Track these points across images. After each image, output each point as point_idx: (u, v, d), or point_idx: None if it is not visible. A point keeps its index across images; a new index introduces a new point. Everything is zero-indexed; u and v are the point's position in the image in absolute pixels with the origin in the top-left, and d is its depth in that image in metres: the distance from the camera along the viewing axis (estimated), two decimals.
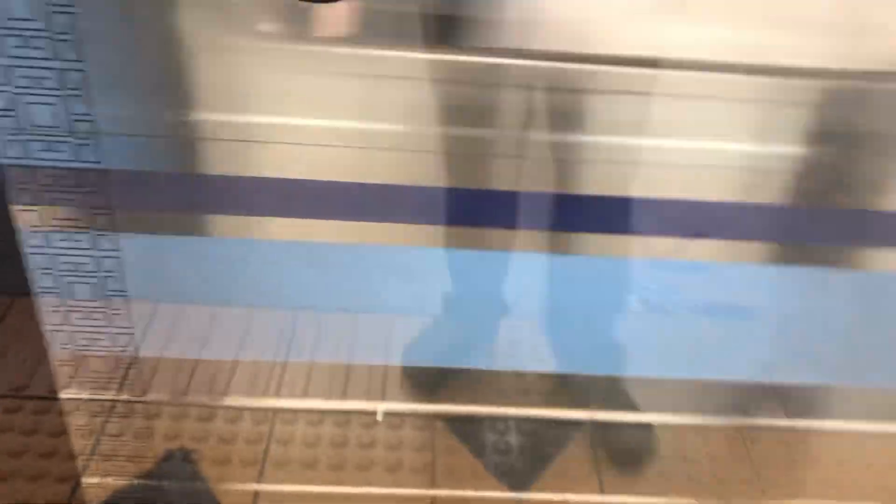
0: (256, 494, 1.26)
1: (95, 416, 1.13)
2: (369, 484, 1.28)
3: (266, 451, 1.31)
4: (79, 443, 1.09)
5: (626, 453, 1.34)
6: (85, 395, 1.09)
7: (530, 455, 1.34)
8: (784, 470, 1.33)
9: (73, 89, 0.65)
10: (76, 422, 1.09)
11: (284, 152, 0.98)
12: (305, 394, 1.37)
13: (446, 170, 1.01)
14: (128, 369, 1.38)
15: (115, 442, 1.24)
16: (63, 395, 1.03)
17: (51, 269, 0.73)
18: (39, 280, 0.74)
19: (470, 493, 1.28)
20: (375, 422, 1.32)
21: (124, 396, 1.34)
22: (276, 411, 1.37)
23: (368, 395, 1.38)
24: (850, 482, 1.32)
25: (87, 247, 0.72)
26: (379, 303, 1.41)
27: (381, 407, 1.34)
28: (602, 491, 1.29)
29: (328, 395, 1.37)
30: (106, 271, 0.74)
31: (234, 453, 1.30)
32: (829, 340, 1.44)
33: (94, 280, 0.75)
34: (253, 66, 0.89)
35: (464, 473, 1.30)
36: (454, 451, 1.33)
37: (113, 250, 0.73)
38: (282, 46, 0.87)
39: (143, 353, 1.40)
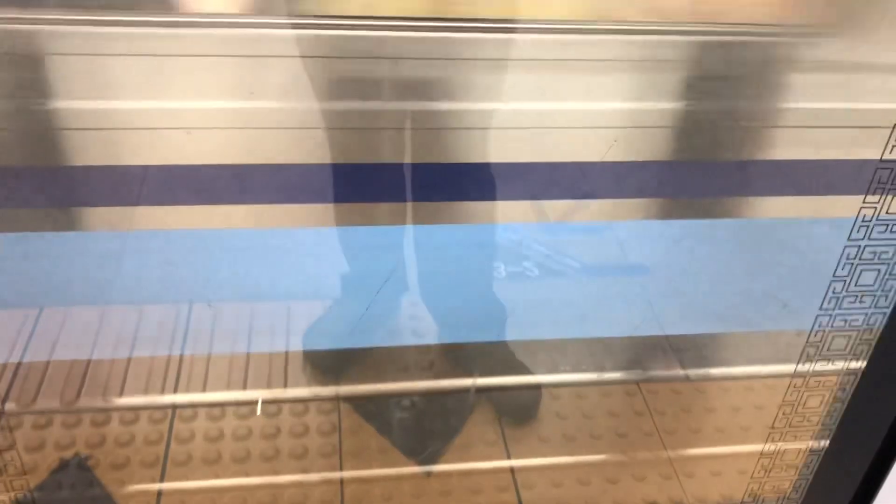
0: (159, 494, 1.23)
1: None
2: (276, 473, 1.27)
3: (167, 450, 1.28)
4: None
5: (520, 410, 1.38)
6: None
7: (435, 428, 1.35)
8: (682, 420, 1.39)
9: None
10: None
11: (160, 138, 0.94)
12: (204, 388, 1.34)
13: (319, 147, 0.99)
14: (12, 378, 1.31)
15: (4, 457, 1.18)
16: None
17: None
18: None
19: (378, 471, 1.28)
20: (255, 413, 1.31)
21: (11, 407, 1.29)
22: (176, 407, 1.33)
23: (270, 384, 1.36)
24: (744, 426, 1.38)
25: None
26: (273, 289, 1.39)
27: (259, 398, 1.32)
28: (509, 456, 1.31)
29: (228, 387, 1.35)
30: None
31: (134, 455, 1.26)
32: (717, 290, 1.50)
33: None
34: (119, 49, 0.84)
35: (371, 453, 1.30)
36: (359, 432, 1.33)
37: None
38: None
39: (27, 359, 1.33)
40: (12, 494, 1.16)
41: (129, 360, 1.35)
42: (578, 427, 1.36)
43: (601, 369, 1.44)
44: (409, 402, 1.37)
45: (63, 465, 1.25)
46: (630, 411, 1.39)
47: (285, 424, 1.33)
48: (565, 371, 1.42)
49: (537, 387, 1.41)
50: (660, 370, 1.45)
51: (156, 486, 1.24)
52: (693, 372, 1.45)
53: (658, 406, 1.40)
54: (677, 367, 1.45)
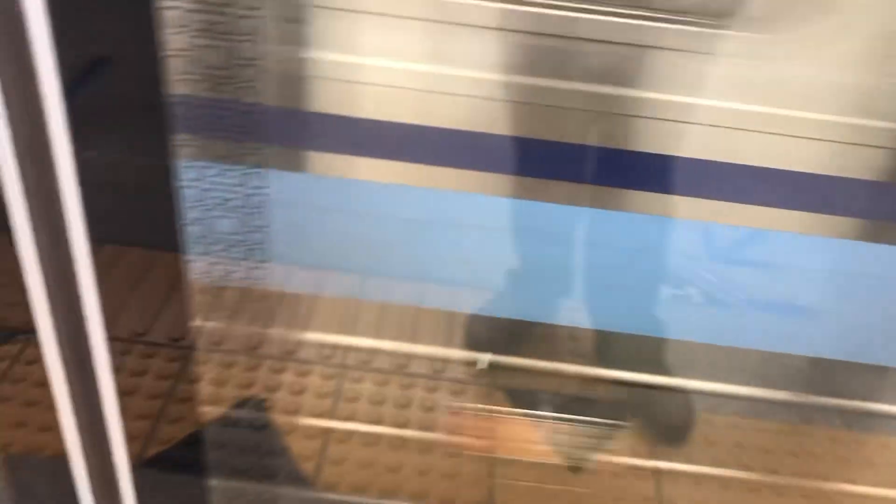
0: (324, 443, 1.32)
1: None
2: (432, 443, 1.33)
3: (335, 404, 1.36)
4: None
5: (671, 431, 1.39)
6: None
7: (588, 431, 1.39)
8: (831, 448, 1.36)
9: (246, 35, 0.70)
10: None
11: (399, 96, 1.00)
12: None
13: (513, 119, 1.04)
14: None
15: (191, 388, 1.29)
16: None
17: (200, 201, 0.79)
18: (188, 212, 0.80)
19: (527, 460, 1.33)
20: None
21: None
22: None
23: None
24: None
25: (237, 183, 0.77)
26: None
27: (485, 357, 1.39)
28: (656, 469, 1.34)
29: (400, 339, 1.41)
30: (253, 207, 0.80)
31: (305, 402, 1.36)
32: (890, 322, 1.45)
33: (240, 215, 0.81)
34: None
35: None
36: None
37: (261, 187, 0.79)
38: None
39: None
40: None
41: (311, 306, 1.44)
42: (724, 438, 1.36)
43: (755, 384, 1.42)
44: (561, 401, 1.42)
45: (242, 403, 1.36)
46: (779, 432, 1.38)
47: (442, 401, 1.39)
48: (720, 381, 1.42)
49: (690, 409, 1.42)
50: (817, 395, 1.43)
51: (319, 442, 1.32)
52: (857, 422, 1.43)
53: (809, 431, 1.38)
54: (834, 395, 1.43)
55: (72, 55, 0.76)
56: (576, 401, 1.42)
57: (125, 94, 0.81)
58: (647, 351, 1.43)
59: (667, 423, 1.41)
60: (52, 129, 0.78)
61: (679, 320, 1.46)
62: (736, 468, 1.35)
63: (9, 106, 0.78)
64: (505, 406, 1.39)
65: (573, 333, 1.46)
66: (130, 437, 1.11)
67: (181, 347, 1.15)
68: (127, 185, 0.88)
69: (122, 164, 0.87)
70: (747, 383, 1.43)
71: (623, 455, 1.34)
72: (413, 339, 1.43)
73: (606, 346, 1.45)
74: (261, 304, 0.94)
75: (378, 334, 1.43)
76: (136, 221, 0.91)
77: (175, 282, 1.00)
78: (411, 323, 1.46)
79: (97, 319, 0.94)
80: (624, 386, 1.43)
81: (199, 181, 0.79)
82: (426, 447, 1.33)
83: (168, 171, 0.78)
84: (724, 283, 1.52)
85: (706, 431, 1.40)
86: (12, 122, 0.79)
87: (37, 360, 1.18)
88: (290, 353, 1.40)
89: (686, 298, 1.50)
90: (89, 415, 1.05)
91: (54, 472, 1.15)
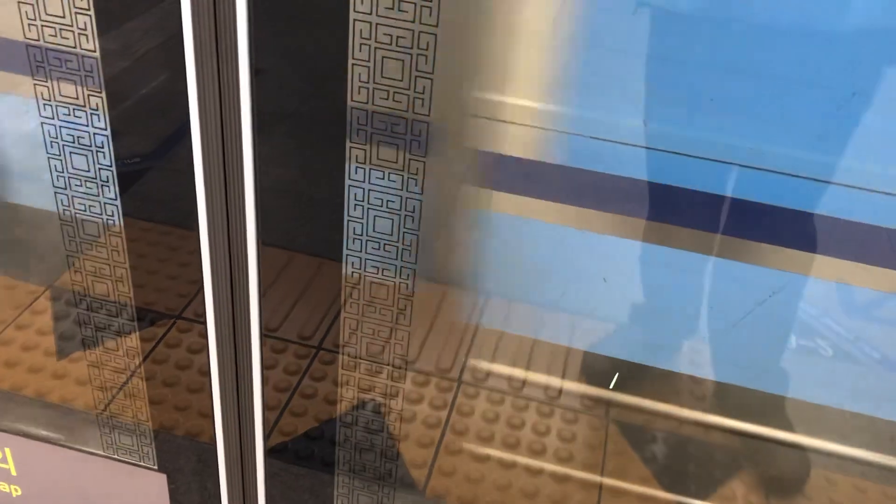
0: (435, 456, 1.35)
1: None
2: (540, 468, 1.35)
3: (448, 418, 1.40)
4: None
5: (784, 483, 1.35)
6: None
7: (700, 473, 1.36)
8: None
9: (422, 49, 0.76)
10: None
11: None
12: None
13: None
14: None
15: (315, 385, 1.35)
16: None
17: (363, 201, 0.86)
18: (351, 210, 0.87)
19: (636, 493, 1.32)
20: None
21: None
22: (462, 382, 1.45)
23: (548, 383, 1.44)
24: None
25: (397, 186, 0.83)
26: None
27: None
28: None
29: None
30: (407, 211, 0.86)
31: (420, 412, 1.40)
32: None
33: (396, 217, 0.87)
34: None
35: (632, 478, 1.35)
36: (623, 454, 1.37)
37: (418, 193, 0.84)
38: None
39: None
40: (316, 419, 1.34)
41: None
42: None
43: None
44: (676, 441, 1.40)
45: (364, 405, 1.42)
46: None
47: (555, 425, 1.41)
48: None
49: (806, 465, 1.38)
50: None
51: (430, 451, 1.36)
52: None
53: None
54: None
55: (263, 62, 0.85)
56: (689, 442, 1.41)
57: (305, 102, 0.89)
58: (768, 404, 1.41)
59: (781, 476, 1.37)
60: (244, 137, 0.86)
61: (806, 375, 1.42)
62: None
63: (203, 115, 0.87)
64: (617, 439, 1.39)
65: (692, 380, 1.45)
66: (265, 425, 1.19)
67: (309, 346, 1.23)
68: (297, 191, 0.96)
69: (294, 171, 0.94)
70: (874, 448, 1.37)
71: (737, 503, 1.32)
72: (530, 367, 1.45)
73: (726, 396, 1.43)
74: (399, 310, 0.99)
75: (495, 359, 1.46)
76: (299, 225, 0.98)
77: (319, 285, 1.07)
78: (529, 352, 1.49)
79: (256, 315, 1.02)
80: (740, 436, 1.40)
81: (363, 182, 0.85)
82: (536, 469, 1.35)
83: (336, 180, 0.85)
84: (858, 340, 1.47)
85: (829, 492, 1.35)
86: (204, 128, 0.88)
87: (179, 343, 1.28)
88: (411, 363, 1.45)
89: (816, 351, 1.46)
90: (237, 399, 1.14)
91: (196, 448, 1.25)
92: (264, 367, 1.14)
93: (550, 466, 1.35)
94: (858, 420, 1.41)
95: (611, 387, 1.39)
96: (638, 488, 1.32)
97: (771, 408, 1.41)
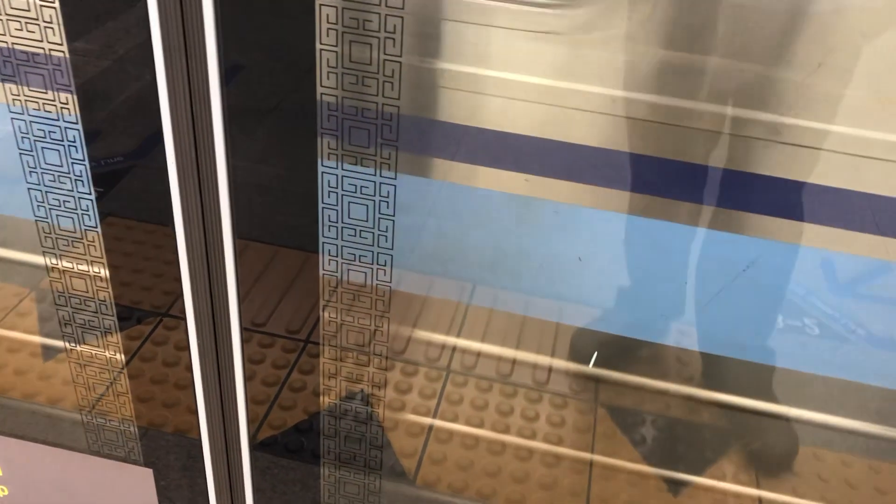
0: (425, 444, 1.35)
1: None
2: (530, 452, 1.35)
3: (437, 405, 1.40)
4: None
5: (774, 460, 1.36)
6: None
7: (689, 455, 1.37)
8: None
9: (390, 32, 0.76)
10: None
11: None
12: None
13: (638, 137, 1.05)
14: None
15: (304, 378, 1.35)
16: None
17: (336, 188, 0.85)
18: (325, 197, 0.86)
19: (626, 474, 1.33)
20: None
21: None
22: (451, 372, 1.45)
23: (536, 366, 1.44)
24: None
25: (370, 173, 0.83)
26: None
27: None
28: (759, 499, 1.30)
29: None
30: (381, 196, 0.85)
31: (409, 402, 1.40)
32: None
33: (371, 202, 0.86)
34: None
35: (621, 459, 1.35)
36: (613, 438, 1.38)
37: (391, 178, 0.84)
38: None
39: None
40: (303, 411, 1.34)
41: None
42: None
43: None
44: (664, 423, 1.40)
45: (351, 396, 1.42)
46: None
47: (544, 411, 1.41)
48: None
49: (795, 439, 1.38)
50: None
51: (420, 440, 1.36)
52: None
53: None
54: None
55: (231, 55, 0.84)
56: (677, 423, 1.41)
57: (275, 91, 0.89)
58: (756, 377, 1.41)
59: (770, 452, 1.37)
60: (215, 129, 0.86)
61: (792, 351, 1.43)
62: None
63: (174, 108, 0.87)
64: (606, 422, 1.39)
65: (680, 355, 1.45)
66: (250, 419, 1.19)
67: (297, 339, 1.22)
68: (270, 182, 0.96)
69: (267, 162, 0.94)
70: (862, 419, 1.38)
71: (727, 481, 1.32)
72: (518, 346, 1.45)
73: (714, 369, 1.43)
74: (378, 297, 0.99)
75: (485, 340, 1.46)
76: (274, 216, 0.98)
77: (299, 277, 1.07)
78: (517, 331, 1.49)
79: (235, 310, 1.02)
80: (729, 410, 1.41)
81: (335, 169, 0.85)
82: (525, 454, 1.35)
83: (309, 168, 0.85)
84: (844, 317, 1.47)
85: (818, 467, 1.35)
86: (176, 124, 0.88)
87: (167, 341, 1.28)
88: (399, 353, 1.45)
89: (801, 329, 1.46)
90: (220, 394, 1.13)
91: (182, 443, 1.25)
92: (248, 360, 1.13)
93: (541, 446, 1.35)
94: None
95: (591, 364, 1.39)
96: (626, 464, 1.33)
97: (758, 380, 1.42)
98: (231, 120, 0.87)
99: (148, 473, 1.26)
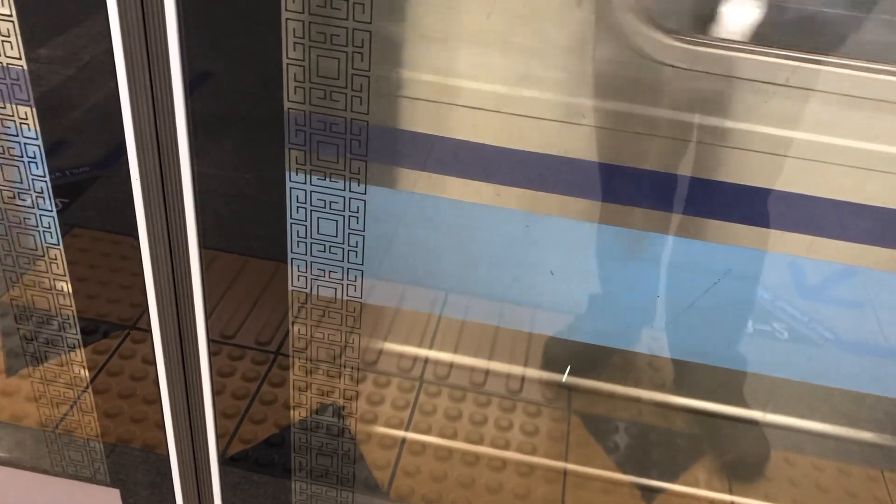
0: (398, 456, 1.34)
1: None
2: (504, 461, 1.34)
3: (410, 418, 1.39)
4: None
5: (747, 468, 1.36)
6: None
7: (662, 461, 1.37)
8: None
9: (357, 46, 0.75)
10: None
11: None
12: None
13: (599, 145, 1.06)
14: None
15: (275, 391, 1.34)
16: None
17: (304, 203, 0.84)
18: (293, 212, 0.85)
19: (600, 483, 1.33)
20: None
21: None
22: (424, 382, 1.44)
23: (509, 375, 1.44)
24: None
25: (339, 188, 0.82)
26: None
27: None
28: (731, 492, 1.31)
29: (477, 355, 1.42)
30: (351, 211, 0.84)
31: (381, 413, 1.39)
32: None
33: (340, 218, 0.85)
34: None
35: (595, 467, 1.35)
36: (587, 446, 1.38)
37: (361, 193, 0.83)
38: None
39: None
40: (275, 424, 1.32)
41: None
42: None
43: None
44: (638, 430, 1.41)
45: (323, 409, 1.40)
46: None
47: (517, 420, 1.40)
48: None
49: (766, 444, 1.39)
50: None
51: (394, 452, 1.35)
52: None
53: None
54: None
55: (196, 67, 0.83)
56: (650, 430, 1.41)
57: (241, 104, 0.88)
58: (727, 382, 1.41)
59: (743, 457, 1.38)
60: (179, 144, 0.84)
61: (762, 355, 1.44)
62: None
63: (136, 118, 0.85)
64: (579, 430, 1.39)
65: (652, 362, 1.45)
66: (219, 434, 1.17)
67: (268, 352, 1.21)
68: (238, 196, 0.94)
69: (234, 176, 0.93)
70: (833, 422, 1.39)
71: (700, 488, 1.33)
72: (492, 356, 1.45)
73: (685, 376, 1.44)
74: (348, 313, 0.98)
75: (457, 350, 1.45)
76: (242, 230, 0.97)
77: (269, 289, 1.06)
78: (490, 341, 1.48)
79: (202, 322, 1.00)
80: (700, 416, 1.41)
81: (304, 184, 0.84)
82: (499, 464, 1.34)
83: (277, 183, 0.84)
84: (812, 320, 1.48)
85: (788, 472, 1.36)
86: (139, 133, 0.86)
87: (134, 354, 1.25)
88: (371, 364, 1.44)
89: (771, 334, 1.48)
90: (188, 408, 1.11)
91: (150, 460, 1.22)
92: (217, 373, 1.11)
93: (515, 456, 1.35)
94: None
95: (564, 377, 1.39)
96: (600, 472, 1.33)
97: (729, 385, 1.42)
98: (196, 130, 0.85)
99: (115, 494, 1.23)
